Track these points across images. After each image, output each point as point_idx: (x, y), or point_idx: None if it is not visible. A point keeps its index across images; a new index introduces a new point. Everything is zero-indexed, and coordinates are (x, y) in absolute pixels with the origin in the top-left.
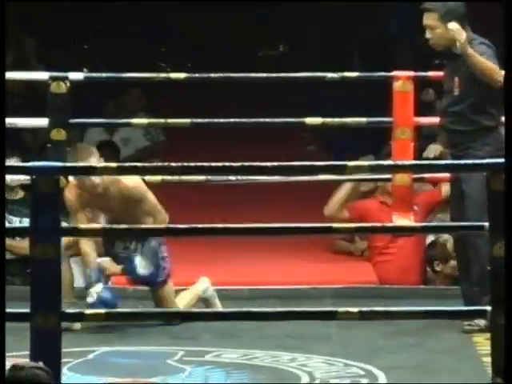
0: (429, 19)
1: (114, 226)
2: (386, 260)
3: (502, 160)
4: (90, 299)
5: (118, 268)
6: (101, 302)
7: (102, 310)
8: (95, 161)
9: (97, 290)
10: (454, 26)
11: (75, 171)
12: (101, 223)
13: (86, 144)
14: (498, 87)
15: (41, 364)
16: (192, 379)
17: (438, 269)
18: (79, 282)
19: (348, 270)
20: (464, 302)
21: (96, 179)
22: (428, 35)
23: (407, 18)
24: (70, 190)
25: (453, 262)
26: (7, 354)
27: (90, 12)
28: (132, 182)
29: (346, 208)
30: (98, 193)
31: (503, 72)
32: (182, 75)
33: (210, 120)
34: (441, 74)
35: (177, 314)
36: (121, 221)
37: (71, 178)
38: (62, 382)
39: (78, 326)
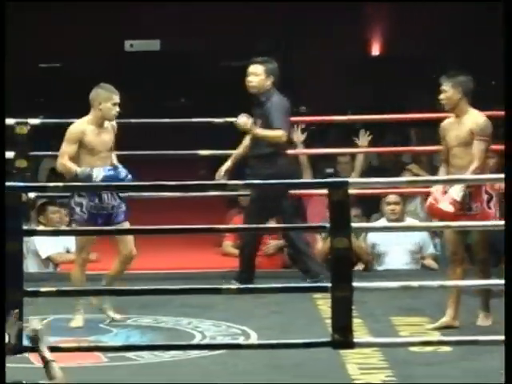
0: (256, 69)
1: None
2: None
3: (339, 179)
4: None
5: None
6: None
7: (54, 288)
8: None
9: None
10: (242, 120)
11: (32, 189)
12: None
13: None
14: (281, 141)
15: None
16: (118, 337)
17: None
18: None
19: (231, 259)
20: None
21: None
22: (250, 78)
23: None
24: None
25: None
26: None
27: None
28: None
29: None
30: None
31: (281, 133)
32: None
33: (133, 152)
34: None
35: (110, 291)
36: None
37: None
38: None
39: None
